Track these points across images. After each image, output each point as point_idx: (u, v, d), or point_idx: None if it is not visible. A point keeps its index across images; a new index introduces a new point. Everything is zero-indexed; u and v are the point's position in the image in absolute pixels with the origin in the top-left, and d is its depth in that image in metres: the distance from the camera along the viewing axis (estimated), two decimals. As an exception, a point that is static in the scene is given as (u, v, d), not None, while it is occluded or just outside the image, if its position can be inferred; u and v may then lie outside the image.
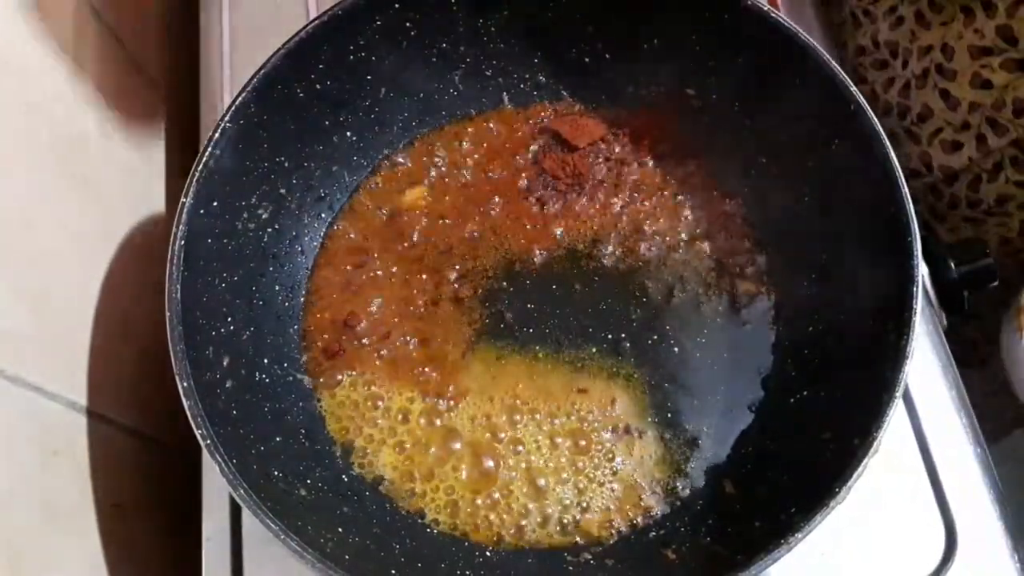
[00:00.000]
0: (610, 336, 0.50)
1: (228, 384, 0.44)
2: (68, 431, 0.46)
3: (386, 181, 0.55)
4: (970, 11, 0.50)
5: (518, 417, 0.49)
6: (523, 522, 0.46)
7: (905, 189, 0.43)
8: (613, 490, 0.47)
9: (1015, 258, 0.58)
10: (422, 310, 0.51)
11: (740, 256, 0.52)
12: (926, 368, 0.51)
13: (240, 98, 0.45)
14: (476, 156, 0.55)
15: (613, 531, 0.46)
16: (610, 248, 0.53)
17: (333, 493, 0.45)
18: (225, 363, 0.44)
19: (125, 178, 0.57)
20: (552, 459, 0.48)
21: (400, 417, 0.49)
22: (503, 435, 0.48)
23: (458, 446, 0.48)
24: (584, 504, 0.47)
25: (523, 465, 0.48)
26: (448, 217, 0.54)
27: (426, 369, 0.50)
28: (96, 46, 0.55)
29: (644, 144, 0.55)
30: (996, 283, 0.52)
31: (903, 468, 0.49)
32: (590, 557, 0.45)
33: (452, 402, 0.49)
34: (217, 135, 0.45)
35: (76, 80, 0.52)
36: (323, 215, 0.53)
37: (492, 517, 0.46)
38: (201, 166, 0.44)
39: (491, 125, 0.56)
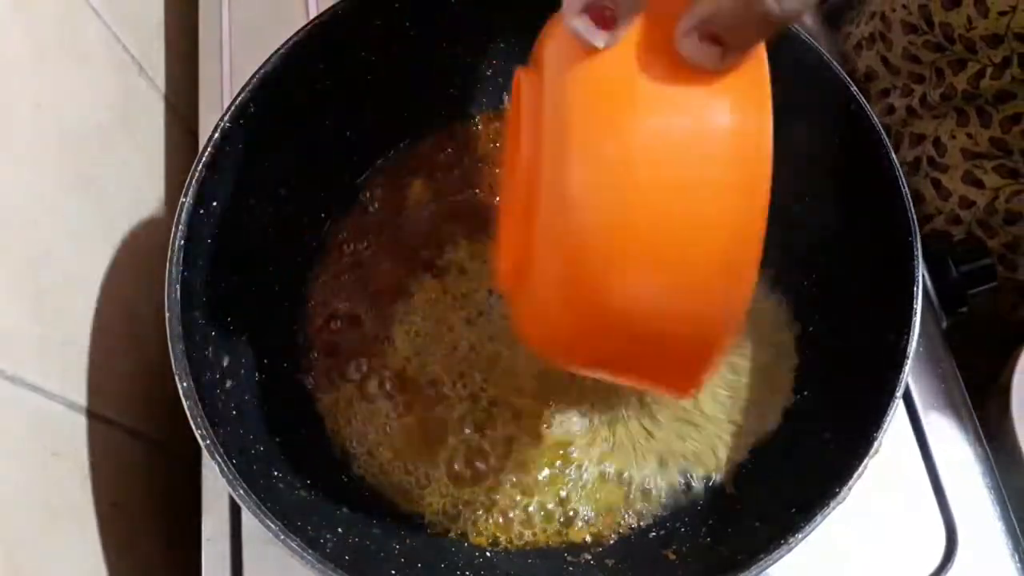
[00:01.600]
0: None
1: (228, 384, 0.44)
2: (68, 431, 0.46)
3: (386, 181, 0.55)
4: (963, 112, 0.50)
5: (516, 417, 0.49)
6: (521, 523, 0.46)
7: (906, 189, 0.42)
8: (612, 491, 0.47)
9: (1004, 328, 0.58)
10: (422, 309, 0.51)
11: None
12: (927, 368, 0.51)
13: (240, 98, 0.45)
14: (476, 157, 0.55)
15: (613, 532, 0.46)
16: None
17: (333, 493, 0.45)
18: (225, 363, 0.44)
19: (125, 178, 0.56)
20: (550, 460, 0.48)
21: (399, 417, 0.49)
22: (502, 436, 0.48)
23: (457, 447, 0.48)
24: (583, 504, 0.47)
25: (521, 466, 0.48)
26: (448, 217, 0.54)
27: (425, 369, 0.50)
28: (96, 45, 0.55)
29: (644, 144, 0.55)
30: (995, 283, 0.52)
31: (903, 468, 0.49)
32: (590, 557, 0.45)
33: (451, 402, 0.49)
34: (216, 135, 0.44)
35: (76, 79, 0.52)
36: (323, 215, 0.53)
37: (490, 519, 0.46)
38: (200, 166, 0.44)
39: (491, 126, 0.56)
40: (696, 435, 0.48)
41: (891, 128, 0.57)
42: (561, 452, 0.48)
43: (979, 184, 0.51)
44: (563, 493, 0.47)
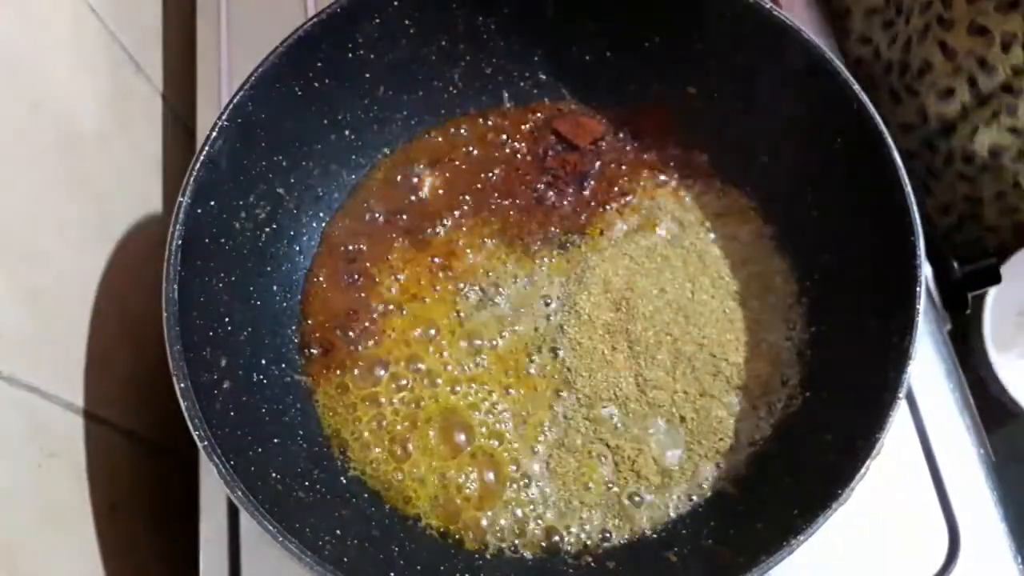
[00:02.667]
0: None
1: (226, 385, 0.44)
2: (65, 432, 0.46)
3: (384, 179, 0.55)
4: None
5: (516, 419, 0.48)
6: (520, 526, 0.46)
7: (908, 188, 0.42)
8: (613, 493, 0.47)
9: (1011, 217, 0.58)
10: (419, 310, 0.51)
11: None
12: (929, 369, 0.51)
13: (238, 97, 0.45)
14: (476, 155, 0.55)
15: (613, 534, 0.46)
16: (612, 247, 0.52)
17: (332, 495, 0.45)
18: (223, 364, 0.44)
19: (123, 177, 0.56)
20: (550, 462, 0.47)
21: (398, 418, 0.49)
22: (502, 438, 0.48)
23: (457, 449, 0.48)
24: (584, 508, 0.46)
25: (520, 468, 0.47)
26: (447, 217, 0.54)
27: (426, 370, 0.50)
28: (94, 44, 0.55)
29: (645, 143, 0.55)
30: (999, 283, 0.51)
31: (906, 470, 0.48)
32: (591, 560, 0.45)
33: (451, 404, 0.49)
34: (214, 134, 0.44)
35: (73, 78, 0.52)
36: (321, 214, 0.53)
37: (489, 522, 0.46)
38: (198, 165, 0.44)
39: (491, 124, 0.56)
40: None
41: (903, 1, 0.57)
42: (564, 454, 0.48)
43: (983, 31, 0.51)
44: (567, 495, 0.47)
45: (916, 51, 0.56)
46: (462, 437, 0.48)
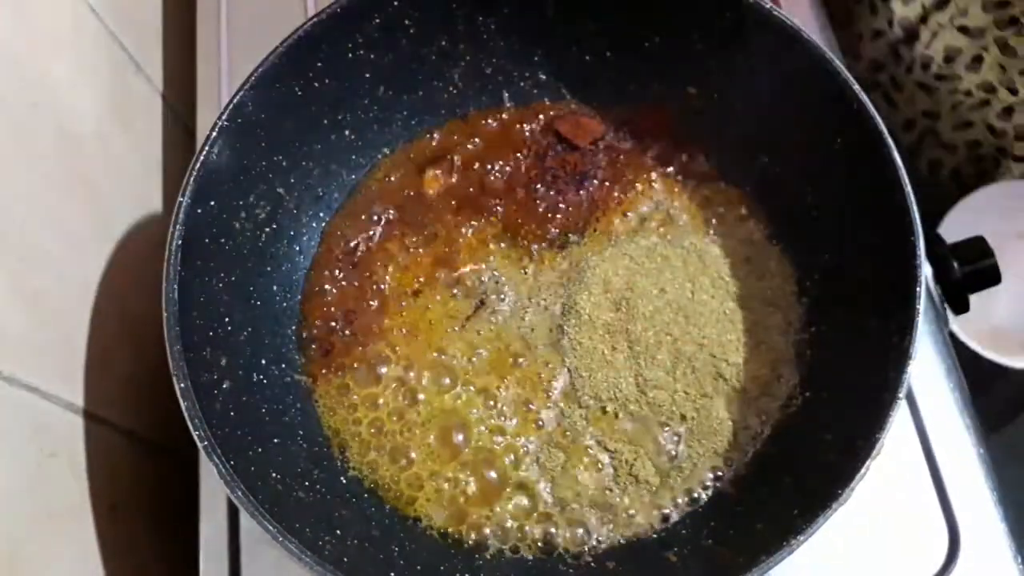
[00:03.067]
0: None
1: (225, 385, 0.44)
2: (65, 432, 0.46)
3: (385, 180, 0.55)
4: None
5: (515, 419, 0.48)
6: (520, 527, 0.46)
7: (908, 189, 0.42)
8: (612, 493, 0.47)
9: (964, 134, 0.60)
10: (419, 309, 0.51)
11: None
12: (929, 369, 0.51)
13: (238, 97, 0.45)
14: (476, 155, 0.55)
15: (613, 534, 0.46)
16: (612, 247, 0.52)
17: (331, 495, 0.45)
18: (223, 364, 0.44)
19: (122, 177, 0.56)
20: (549, 462, 0.47)
21: (397, 418, 0.49)
22: (501, 438, 0.48)
23: (457, 449, 0.48)
24: (583, 508, 0.46)
25: (519, 468, 0.47)
26: (447, 217, 0.54)
27: (426, 369, 0.50)
28: (94, 44, 0.55)
29: (645, 143, 0.55)
30: (999, 283, 0.51)
31: (906, 470, 0.48)
32: (591, 560, 0.45)
33: (452, 403, 0.49)
34: (215, 134, 0.44)
35: (73, 78, 0.52)
36: (321, 214, 0.53)
37: (489, 522, 0.46)
38: (198, 165, 0.44)
39: (491, 124, 0.56)
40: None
41: None
42: (562, 455, 0.48)
43: None
44: (567, 495, 0.47)
45: None
46: (461, 437, 0.48)
